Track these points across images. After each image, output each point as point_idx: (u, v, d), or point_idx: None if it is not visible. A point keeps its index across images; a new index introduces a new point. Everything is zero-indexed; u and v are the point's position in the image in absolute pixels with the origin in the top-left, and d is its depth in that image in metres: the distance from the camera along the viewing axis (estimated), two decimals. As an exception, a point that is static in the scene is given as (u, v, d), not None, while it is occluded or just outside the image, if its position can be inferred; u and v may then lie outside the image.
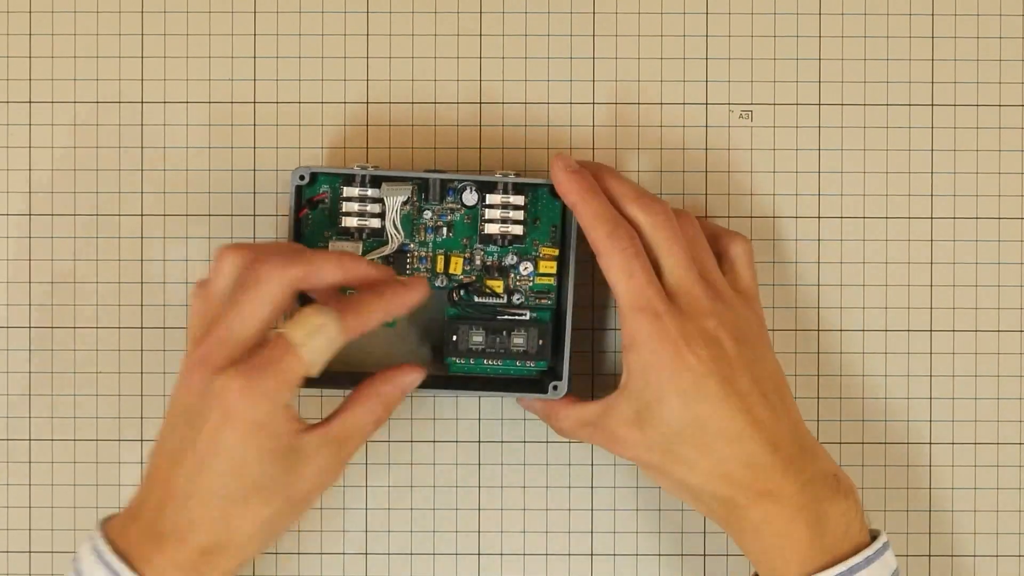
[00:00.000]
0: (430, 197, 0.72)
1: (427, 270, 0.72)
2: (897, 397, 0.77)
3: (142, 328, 0.77)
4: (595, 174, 0.70)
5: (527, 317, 0.72)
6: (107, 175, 0.77)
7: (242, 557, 0.65)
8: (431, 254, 0.73)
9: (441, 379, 0.73)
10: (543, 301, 0.73)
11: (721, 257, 0.72)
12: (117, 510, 0.67)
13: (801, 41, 0.77)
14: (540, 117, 0.77)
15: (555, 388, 0.71)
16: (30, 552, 0.77)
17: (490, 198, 0.71)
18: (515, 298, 0.73)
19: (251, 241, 0.76)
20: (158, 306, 0.76)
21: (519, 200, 0.71)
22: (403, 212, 0.72)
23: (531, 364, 0.72)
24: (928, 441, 0.77)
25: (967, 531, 0.77)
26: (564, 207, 0.72)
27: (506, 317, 0.72)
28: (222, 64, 0.76)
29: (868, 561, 0.66)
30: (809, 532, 0.66)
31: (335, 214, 0.72)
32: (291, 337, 0.63)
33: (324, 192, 0.72)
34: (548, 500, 0.77)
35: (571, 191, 0.68)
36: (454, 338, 0.72)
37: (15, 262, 0.77)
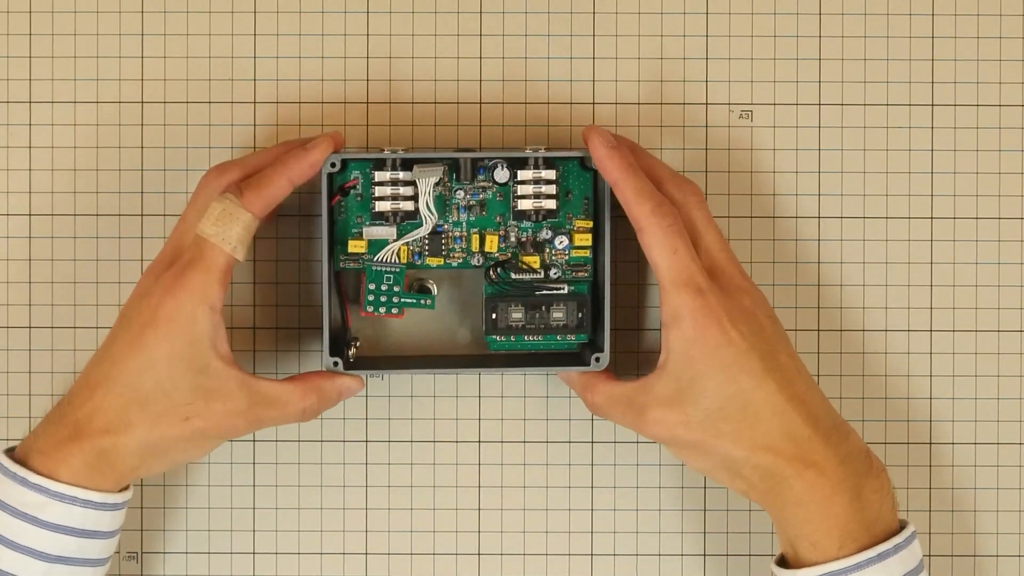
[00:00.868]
0: (461, 177, 0.72)
1: (463, 250, 0.73)
2: (897, 397, 0.77)
3: (142, 328, 0.77)
4: (629, 150, 0.70)
5: (565, 291, 0.72)
6: (107, 175, 0.77)
7: (131, 467, 0.67)
8: (465, 234, 0.73)
9: (483, 358, 0.73)
10: (580, 274, 0.73)
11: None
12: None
13: (801, 41, 0.77)
14: (540, 117, 0.76)
15: (597, 360, 0.71)
16: (30, 552, 0.77)
17: (521, 174, 0.71)
18: (552, 273, 0.73)
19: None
20: (158, 306, 0.76)
21: (551, 175, 0.71)
22: (435, 193, 0.72)
23: (571, 337, 0.72)
24: (928, 441, 0.77)
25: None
26: (595, 178, 0.72)
27: (544, 292, 0.72)
28: (222, 64, 0.76)
29: (897, 549, 0.67)
30: (850, 506, 0.66)
31: (367, 199, 0.72)
32: (202, 231, 0.67)
33: (355, 178, 0.72)
34: (548, 500, 0.77)
35: (613, 168, 0.68)
36: (493, 316, 0.72)
37: (15, 262, 0.77)
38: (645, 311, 0.77)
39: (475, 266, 0.73)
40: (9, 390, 0.77)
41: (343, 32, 0.77)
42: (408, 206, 0.71)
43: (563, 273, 0.73)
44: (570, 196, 0.72)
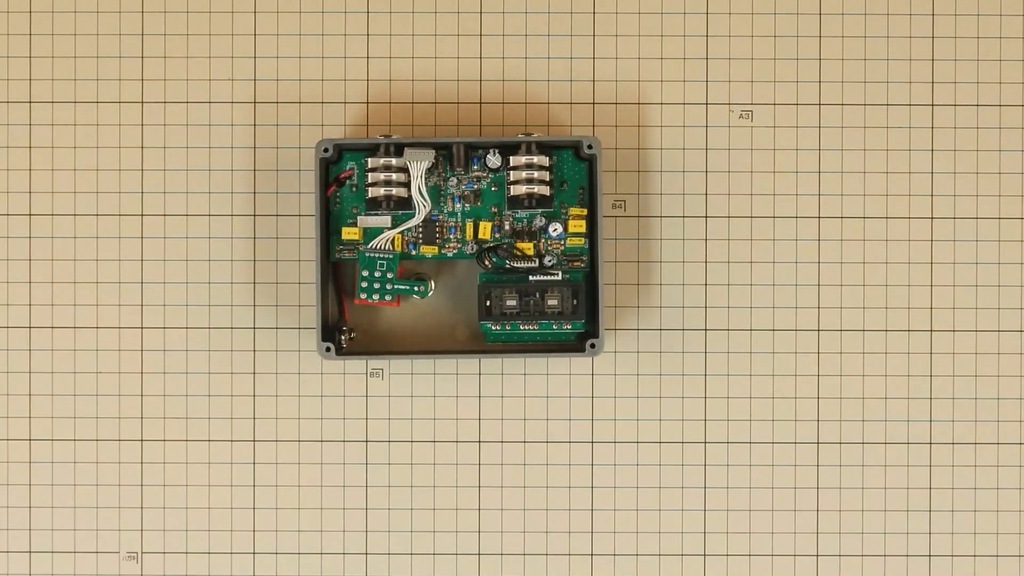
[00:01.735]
0: (455, 165, 0.72)
1: (458, 240, 0.73)
2: (898, 397, 0.77)
3: (142, 328, 0.77)
4: None
5: (559, 278, 0.72)
6: (107, 175, 0.77)
7: None
8: (460, 223, 0.73)
9: (480, 351, 0.74)
10: (576, 264, 0.73)
11: None
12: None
13: (801, 41, 0.77)
14: (540, 117, 0.77)
15: (592, 347, 0.71)
16: (30, 552, 0.77)
17: (514, 160, 0.72)
18: (547, 260, 0.73)
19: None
20: (158, 306, 0.76)
21: (544, 160, 0.71)
22: (430, 184, 0.72)
23: (567, 326, 0.72)
24: (928, 441, 0.77)
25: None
26: (590, 167, 0.72)
27: (539, 278, 0.72)
28: (222, 64, 0.76)
29: None
30: None
31: (362, 190, 0.72)
32: None
33: (351, 168, 0.72)
34: (548, 500, 0.77)
35: None
36: (488, 302, 0.72)
37: (15, 262, 0.77)
38: (645, 311, 0.77)
39: (470, 255, 0.73)
40: (9, 390, 0.77)
41: (343, 32, 0.77)
42: (402, 192, 0.71)
43: (558, 262, 0.73)
44: (565, 187, 0.73)
